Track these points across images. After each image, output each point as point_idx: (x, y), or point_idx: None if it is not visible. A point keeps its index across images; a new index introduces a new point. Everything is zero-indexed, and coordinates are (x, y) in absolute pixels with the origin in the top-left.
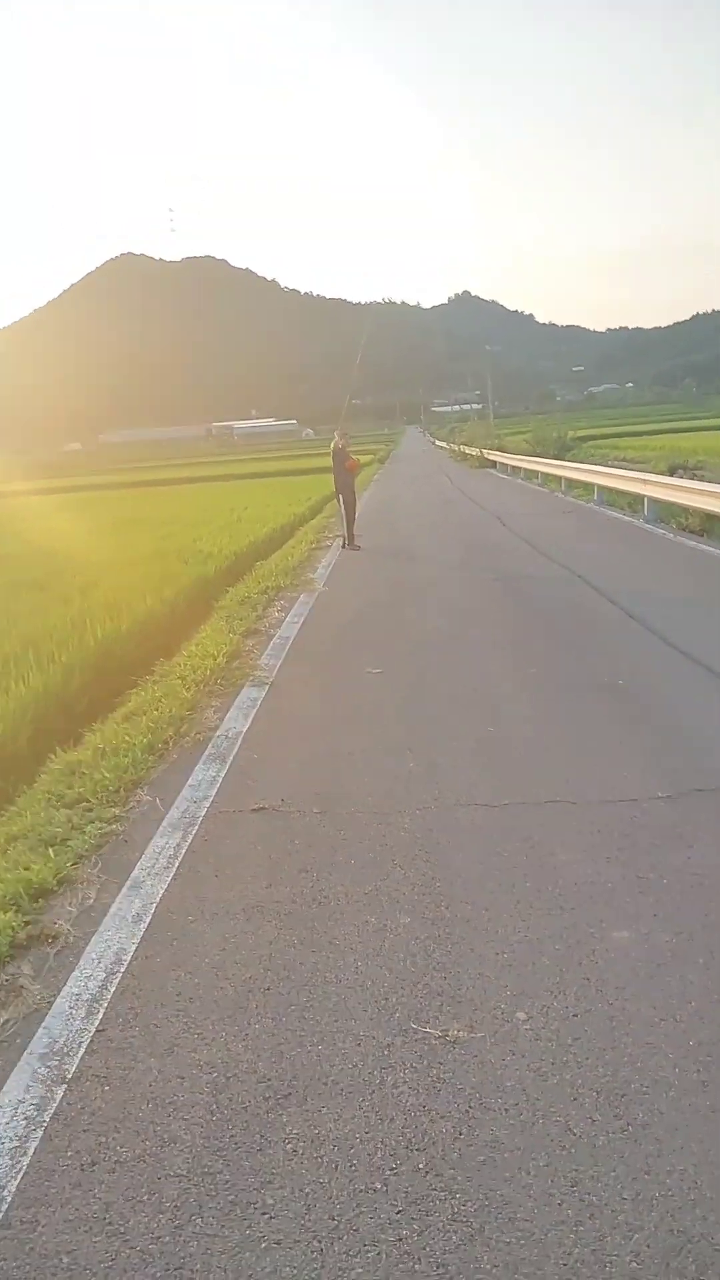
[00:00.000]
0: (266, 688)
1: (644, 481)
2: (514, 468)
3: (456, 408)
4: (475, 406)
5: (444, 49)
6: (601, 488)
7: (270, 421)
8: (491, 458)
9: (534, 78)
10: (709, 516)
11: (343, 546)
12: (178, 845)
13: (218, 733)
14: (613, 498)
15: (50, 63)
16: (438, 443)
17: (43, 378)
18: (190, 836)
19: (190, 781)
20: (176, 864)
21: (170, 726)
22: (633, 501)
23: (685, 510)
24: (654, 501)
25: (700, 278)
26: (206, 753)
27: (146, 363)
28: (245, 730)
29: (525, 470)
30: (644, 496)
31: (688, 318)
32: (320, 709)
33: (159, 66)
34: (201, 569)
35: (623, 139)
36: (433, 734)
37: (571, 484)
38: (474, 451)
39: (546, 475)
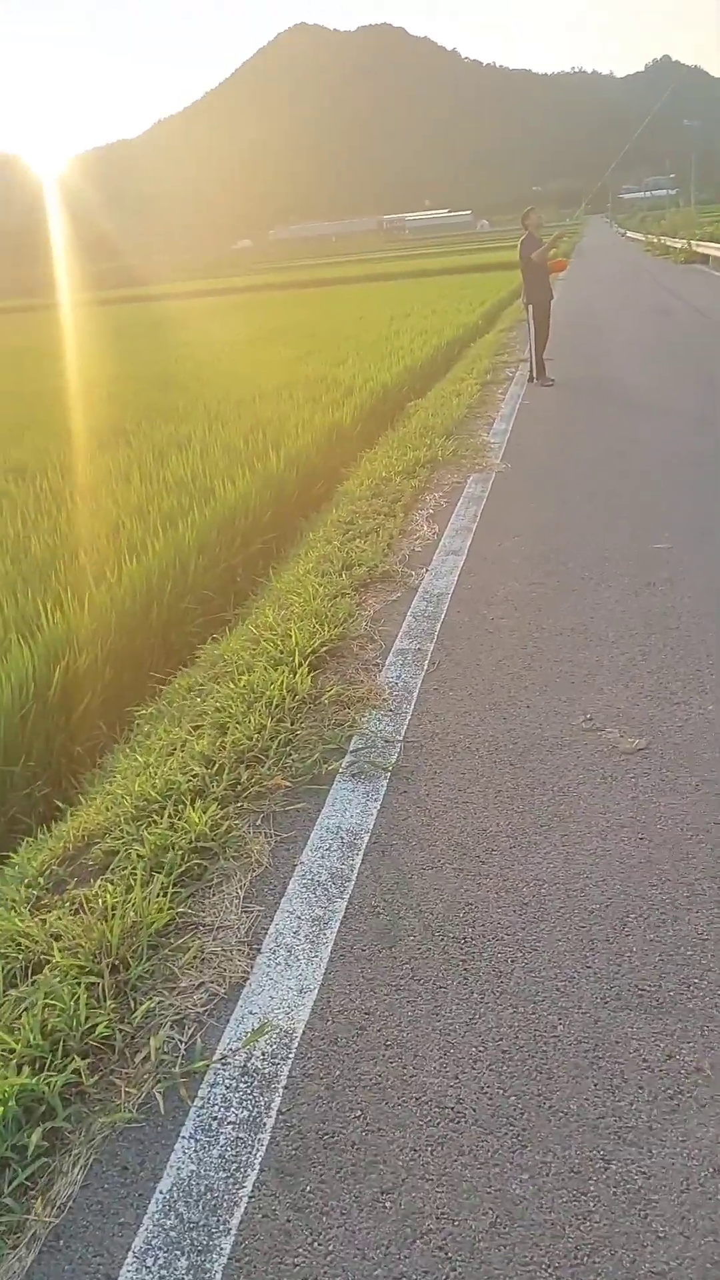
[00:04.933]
0: (386, 781)
1: None
2: None
3: (648, 194)
4: (670, 192)
5: None
6: None
7: (444, 213)
8: (703, 250)
9: None
10: None
11: (529, 379)
12: None
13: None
14: None
15: None
16: (628, 234)
17: (211, 170)
18: None
19: None
20: None
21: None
22: None
23: None
24: None
25: None
26: None
27: (318, 151)
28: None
29: None
30: None
31: None
32: (505, 899)
33: None
34: (334, 415)
35: None
36: None
37: None
38: (679, 244)
39: None
